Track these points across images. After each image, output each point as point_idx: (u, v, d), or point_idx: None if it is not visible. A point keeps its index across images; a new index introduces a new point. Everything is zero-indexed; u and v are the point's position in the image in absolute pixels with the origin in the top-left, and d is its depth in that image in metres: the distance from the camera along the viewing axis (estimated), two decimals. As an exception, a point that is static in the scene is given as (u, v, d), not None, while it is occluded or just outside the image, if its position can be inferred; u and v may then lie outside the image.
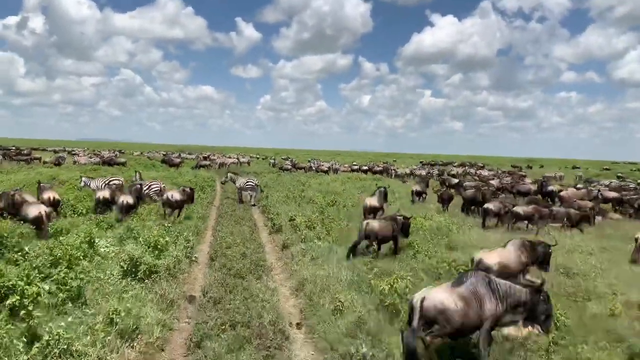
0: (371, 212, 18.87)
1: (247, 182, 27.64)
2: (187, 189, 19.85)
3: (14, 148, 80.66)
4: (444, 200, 23.74)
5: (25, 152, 57.39)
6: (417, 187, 27.74)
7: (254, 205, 25.31)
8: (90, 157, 49.63)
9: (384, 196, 19.88)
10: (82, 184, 23.77)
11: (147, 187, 21.71)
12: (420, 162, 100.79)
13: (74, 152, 73.88)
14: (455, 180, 33.62)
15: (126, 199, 18.04)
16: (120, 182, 23.60)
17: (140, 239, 13.13)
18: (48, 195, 17.43)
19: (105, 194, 19.30)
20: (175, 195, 18.86)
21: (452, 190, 26.81)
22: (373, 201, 19.46)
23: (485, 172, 51.31)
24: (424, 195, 27.24)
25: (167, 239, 13.08)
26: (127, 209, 17.79)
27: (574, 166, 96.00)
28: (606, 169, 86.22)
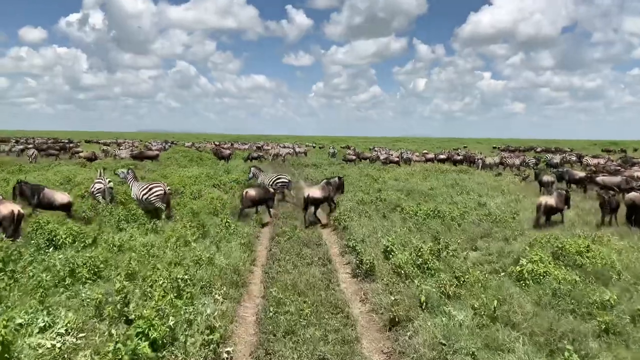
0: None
1: (278, 178, 21.00)
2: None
3: (66, 141, 78.59)
4: (611, 210, 15.80)
5: (56, 146, 53.41)
6: (549, 200, 15.84)
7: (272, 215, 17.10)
8: (132, 151, 44.70)
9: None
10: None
11: (146, 190, 15.31)
12: (494, 147, 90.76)
13: (120, 144, 70.29)
14: (580, 174, 25.31)
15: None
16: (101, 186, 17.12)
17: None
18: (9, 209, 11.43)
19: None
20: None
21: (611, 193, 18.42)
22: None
23: (595, 160, 41.89)
24: (562, 211, 16.39)
25: (171, 321, 6.50)
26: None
27: None
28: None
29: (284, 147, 64.51)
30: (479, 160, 41.85)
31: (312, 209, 16.52)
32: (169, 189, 15.96)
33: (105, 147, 54.75)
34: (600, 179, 21.34)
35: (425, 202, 20.03)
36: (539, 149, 77.69)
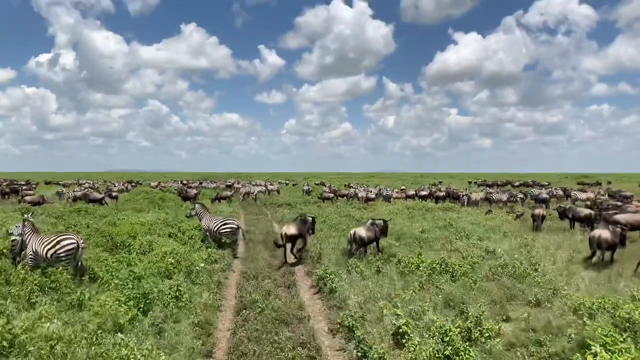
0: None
1: (224, 224, 17.99)
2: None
3: (23, 182, 73.20)
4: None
5: (6, 188, 48.67)
6: (605, 235, 14.78)
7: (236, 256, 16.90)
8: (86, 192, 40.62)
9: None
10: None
11: (51, 244, 11.90)
12: (469, 182, 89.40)
13: (81, 184, 65.68)
14: (586, 212, 22.85)
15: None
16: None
17: None
18: None
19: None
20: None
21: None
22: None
23: (584, 195, 39.95)
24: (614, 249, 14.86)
25: None
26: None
27: None
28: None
29: (256, 184, 61.18)
30: (464, 197, 39.44)
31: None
32: (82, 242, 12.49)
33: (60, 189, 50.33)
34: (621, 217, 18.85)
35: (420, 248, 17.12)
36: (516, 183, 76.33)
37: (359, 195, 42.08)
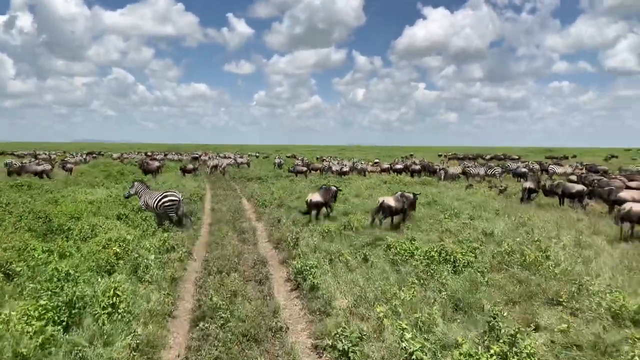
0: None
1: (164, 196, 15.64)
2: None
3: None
4: None
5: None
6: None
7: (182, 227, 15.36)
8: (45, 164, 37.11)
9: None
10: None
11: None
12: (439, 155, 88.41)
13: (37, 156, 61.50)
14: (578, 188, 21.29)
15: None
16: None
17: None
18: None
19: None
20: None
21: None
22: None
23: (561, 169, 38.83)
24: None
25: None
26: None
27: (611, 155, 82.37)
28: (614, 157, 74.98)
29: (225, 157, 58.29)
30: (441, 171, 37.80)
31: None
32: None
33: (9, 160, 46.35)
34: (624, 194, 17.28)
35: (408, 230, 15.18)
36: (487, 157, 75.69)
37: (333, 168, 39.95)
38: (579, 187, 21.36)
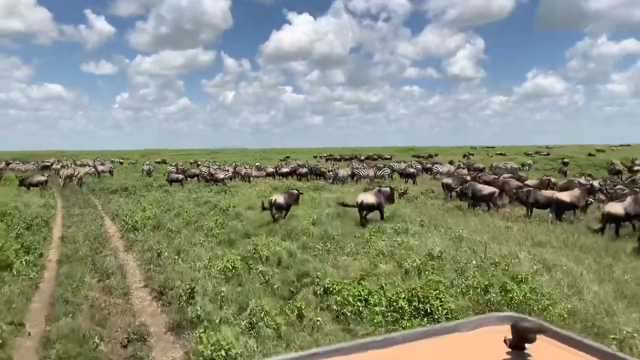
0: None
1: None
2: None
3: None
4: None
5: None
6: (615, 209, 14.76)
7: None
8: None
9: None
10: None
11: None
12: (315, 156, 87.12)
13: None
14: (489, 190, 20.06)
15: None
16: None
17: None
18: None
19: None
20: None
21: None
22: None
23: (444, 168, 39.07)
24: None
25: None
26: None
27: (467, 153, 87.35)
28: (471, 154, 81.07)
29: (82, 165, 50.10)
30: (331, 173, 35.66)
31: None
32: None
33: None
34: (560, 195, 15.99)
35: (328, 254, 12.05)
36: (362, 157, 75.99)
37: (218, 176, 35.55)
38: (490, 189, 20.16)
